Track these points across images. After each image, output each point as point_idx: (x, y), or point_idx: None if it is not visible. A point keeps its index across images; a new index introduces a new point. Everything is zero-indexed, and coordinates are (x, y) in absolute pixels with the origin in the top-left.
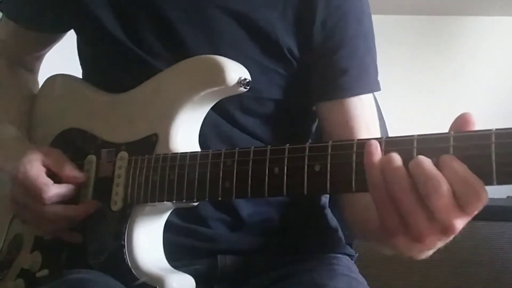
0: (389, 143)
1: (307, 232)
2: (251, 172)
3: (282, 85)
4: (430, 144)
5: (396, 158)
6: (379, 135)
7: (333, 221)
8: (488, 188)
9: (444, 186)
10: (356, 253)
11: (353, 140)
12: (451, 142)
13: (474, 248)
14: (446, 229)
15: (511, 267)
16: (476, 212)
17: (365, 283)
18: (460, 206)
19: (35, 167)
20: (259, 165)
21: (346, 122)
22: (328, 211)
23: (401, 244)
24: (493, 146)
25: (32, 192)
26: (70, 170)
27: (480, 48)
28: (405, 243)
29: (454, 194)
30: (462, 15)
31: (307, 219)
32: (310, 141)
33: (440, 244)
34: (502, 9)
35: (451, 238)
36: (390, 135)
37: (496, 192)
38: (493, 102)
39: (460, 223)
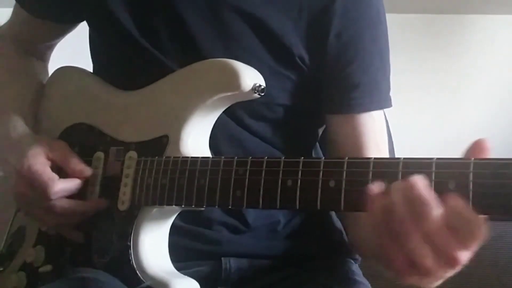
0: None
1: (312, 235)
2: (263, 183)
3: (293, 91)
4: (448, 169)
5: (398, 199)
6: (387, 152)
7: (337, 224)
8: None
9: (435, 209)
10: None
11: (369, 158)
12: (471, 169)
13: None
14: (450, 262)
15: None
16: (475, 247)
17: (369, 286)
18: (458, 240)
19: (39, 161)
20: (272, 176)
21: (355, 138)
22: (332, 214)
23: (412, 281)
24: None
25: (37, 187)
26: (76, 164)
27: (485, 47)
28: (415, 280)
29: (451, 227)
30: (467, 13)
31: (311, 222)
32: (317, 144)
33: (449, 274)
34: (508, 7)
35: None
36: (393, 137)
37: None
38: (500, 101)
39: (463, 256)
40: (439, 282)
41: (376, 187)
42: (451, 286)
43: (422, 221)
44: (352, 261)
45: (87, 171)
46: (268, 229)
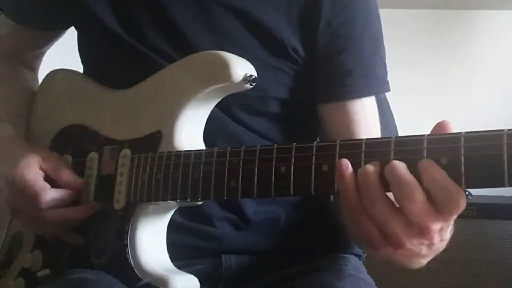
0: (399, 145)
1: (314, 231)
2: (257, 171)
3: (287, 83)
4: (440, 144)
5: (370, 171)
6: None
7: (340, 220)
8: None
9: (418, 193)
10: (364, 253)
11: (361, 139)
12: (462, 142)
13: (484, 247)
14: (423, 232)
15: None
16: (453, 218)
17: (373, 283)
18: (438, 211)
19: (32, 171)
20: (266, 164)
21: (346, 126)
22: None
23: (385, 255)
24: (505, 146)
25: (28, 196)
26: (67, 176)
27: (492, 43)
28: (388, 253)
29: (432, 199)
30: (473, 9)
31: (314, 218)
32: (318, 139)
33: (425, 249)
34: None
35: (436, 242)
36: (399, 133)
37: (506, 190)
38: (507, 97)
39: (437, 226)
40: (419, 261)
41: (347, 164)
42: (460, 286)
43: (405, 203)
44: (355, 257)
45: (79, 182)
46: (269, 225)
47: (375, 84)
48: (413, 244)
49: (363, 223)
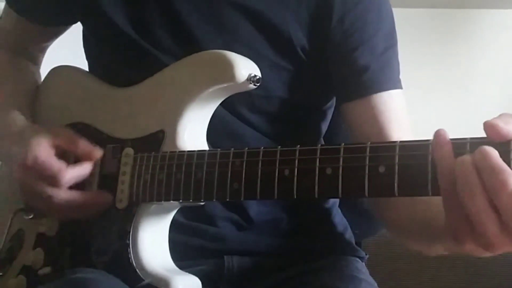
0: (405, 150)
1: (316, 232)
2: (260, 174)
3: (293, 83)
4: None
5: (468, 159)
6: (410, 132)
7: (342, 221)
8: None
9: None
10: (366, 254)
11: (366, 143)
12: (468, 148)
13: None
14: None
15: None
16: None
17: (376, 284)
18: None
19: (45, 151)
20: (269, 167)
21: (374, 118)
22: (337, 211)
23: (468, 250)
24: None
25: (47, 177)
26: (85, 146)
27: (493, 42)
28: (472, 249)
29: None
30: (474, 8)
31: (315, 219)
32: (322, 141)
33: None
34: None
35: None
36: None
37: None
38: (508, 96)
39: None
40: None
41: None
42: (462, 285)
43: (499, 193)
44: (357, 259)
45: (97, 152)
46: (272, 226)
47: (392, 77)
48: (502, 249)
49: (455, 213)
